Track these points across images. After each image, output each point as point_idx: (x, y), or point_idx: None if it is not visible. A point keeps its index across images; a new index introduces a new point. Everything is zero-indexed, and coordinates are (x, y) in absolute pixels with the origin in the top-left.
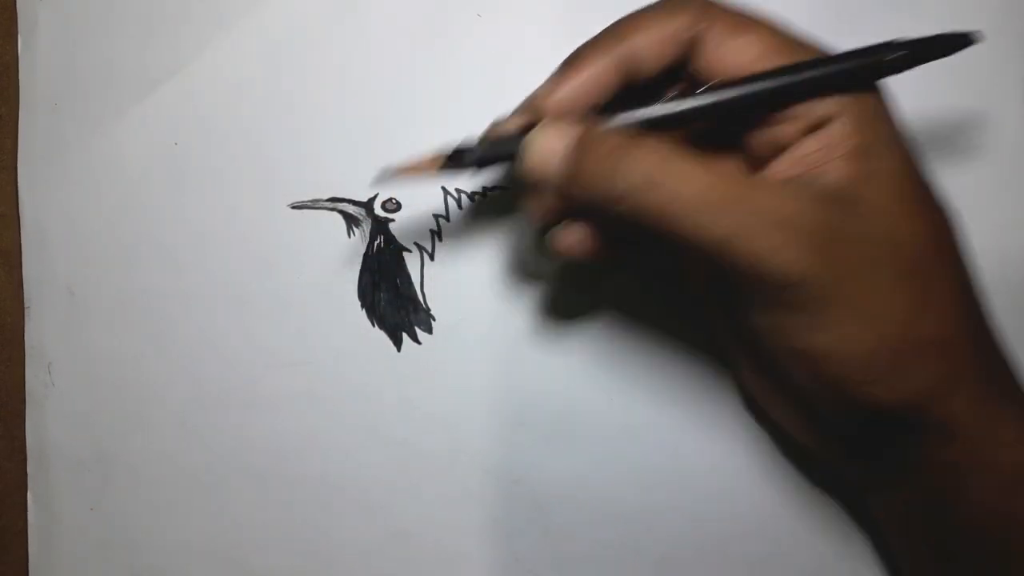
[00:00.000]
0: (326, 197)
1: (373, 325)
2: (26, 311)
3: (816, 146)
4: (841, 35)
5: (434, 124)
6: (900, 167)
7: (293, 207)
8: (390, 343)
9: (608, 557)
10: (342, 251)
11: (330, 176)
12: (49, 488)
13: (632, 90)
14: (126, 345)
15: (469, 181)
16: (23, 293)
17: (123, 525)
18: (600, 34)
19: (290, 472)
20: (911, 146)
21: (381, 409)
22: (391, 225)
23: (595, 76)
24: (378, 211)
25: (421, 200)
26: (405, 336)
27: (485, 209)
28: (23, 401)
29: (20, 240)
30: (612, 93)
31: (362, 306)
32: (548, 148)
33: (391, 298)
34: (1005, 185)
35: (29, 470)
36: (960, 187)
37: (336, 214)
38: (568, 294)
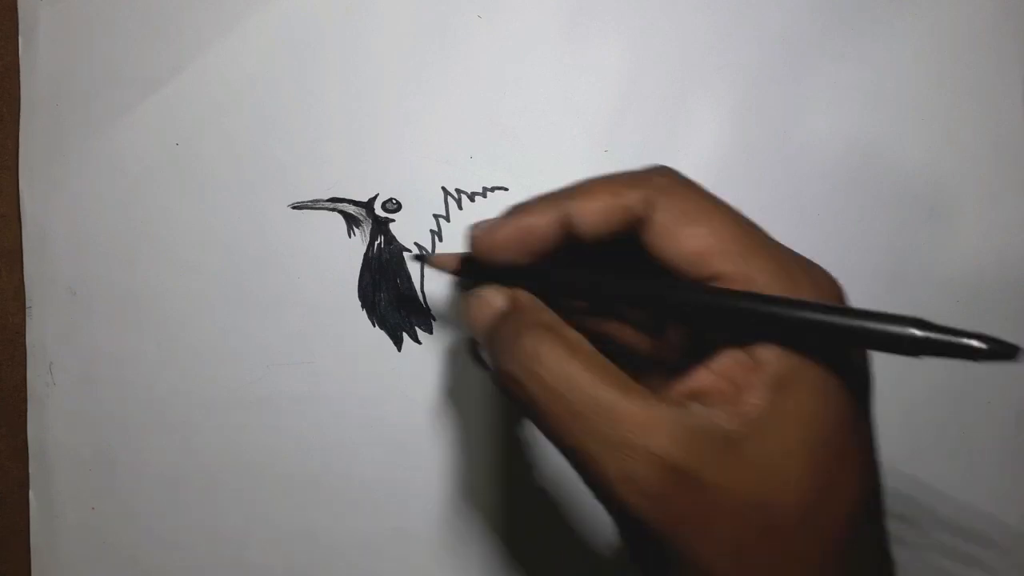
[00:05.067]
0: (326, 197)
1: (373, 325)
2: (27, 311)
3: (733, 364)
4: (841, 34)
5: (434, 124)
6: (819, 426)
7: (293, 207)
8: (390, 343)
9: (609, 555)
10: (342, 251)
11: (330, 176)
12: (50, 487)
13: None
14: (127, 345)
15: (469, 181)
16: (24, 293)
17: (124, 525)
18: (558, 189)
19: (290, 472)
20: (848, 410)
21: (381, 409)
22: (391, 225)
23: (536, 226)
24: (378, 211)
25: (421, 200)
26: (405, 336)
27: (485, 209)
28: (25, 401)
29: (21, 240)
30: (555, 245)
31: (362, 306)
32: (483, 305)
33: (391, 298)
34: (1005, 185)
35: (31, 469)
36: (960, 187)
37: (336, 214)
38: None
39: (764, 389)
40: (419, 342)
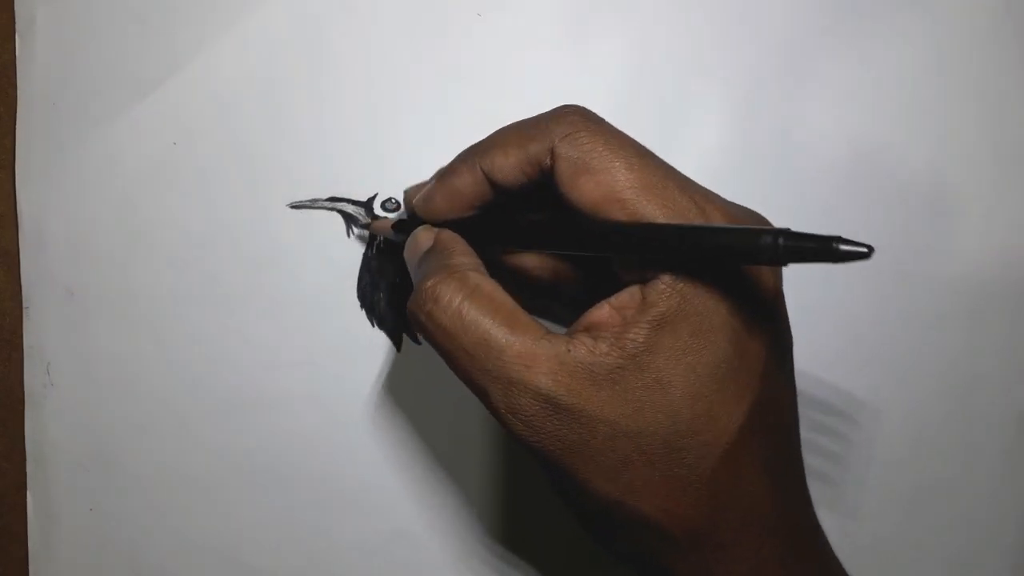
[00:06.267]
0: (326, 197)
1: (373, 325)
2: (25, 311)
3: (628, 299)
4: (842, 34)
5: (434, 124)
6: (695, 360)
7: (292, 207)
8: (390, 343)
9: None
10: (342, 251)
11: (330, 176)
12: (48, 488)
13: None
14: (125, 345)
15: None
16: (22, 293)
17: (122, 525)
18: (474, 145)
19: (290, 472)
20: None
21: (381, 409)
22: None
23: (460, 189)
24: (377, 211)
25: None
26: (405, 336)
27: None
28: (22, 401)
29: (18, 240)
30: (485, 198)
31: (362, 306)
32: (414, 246)
33: (391, 298)
34: (1005, 185)
35: (28, 470)
36: (963, 187)
37: (335, 214)
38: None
39: (645, 325)
40: (419, 342)
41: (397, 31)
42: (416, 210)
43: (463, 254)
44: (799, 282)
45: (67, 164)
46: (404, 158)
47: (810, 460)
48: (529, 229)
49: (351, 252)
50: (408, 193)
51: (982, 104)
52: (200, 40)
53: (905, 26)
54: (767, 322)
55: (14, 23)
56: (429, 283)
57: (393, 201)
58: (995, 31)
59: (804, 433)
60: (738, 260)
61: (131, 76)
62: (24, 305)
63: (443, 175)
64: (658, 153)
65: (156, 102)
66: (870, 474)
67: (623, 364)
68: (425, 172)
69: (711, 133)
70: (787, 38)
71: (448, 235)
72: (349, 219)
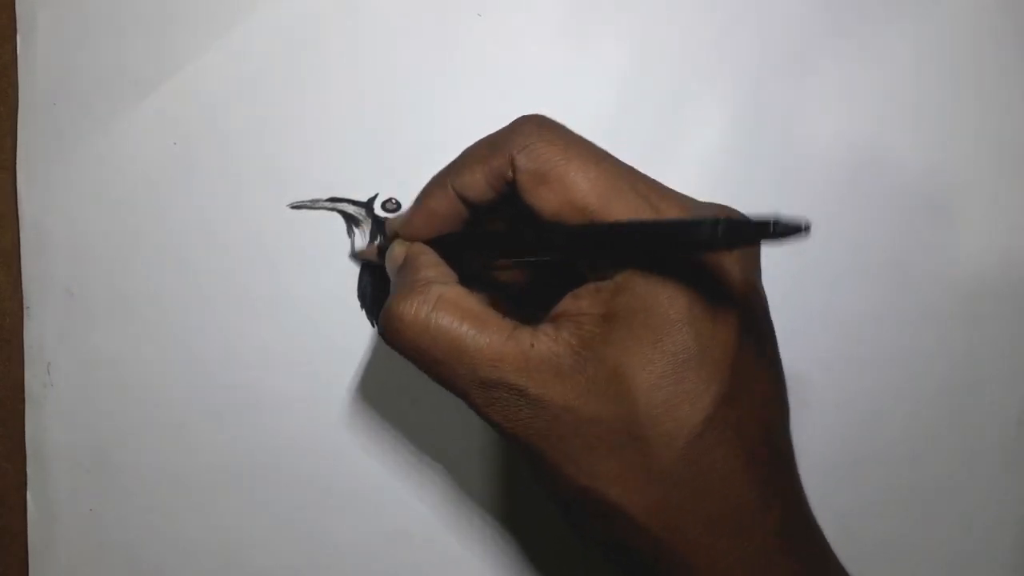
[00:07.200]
0: (326, 197)
1: (373, 325)
2: (25, 311)
3: (587, 292)
4: (843, 34)
5: (434, 124)
6: (650, 352)
7: (293, 207)
8: None
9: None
10: (342, 251)
11: (330, 176)
12: (48, 489)
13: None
14: (125, 345)
15: None
16: (22, 293)
17: (122, 526)
18: (446, 166)
19: (290, 472)
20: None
21: (381, 409)
22: None
23: (436, 210)
24: (378, 211)
25: None
26: None
27: None
28: (22, 401)
29: (19, 240)
30: (462, 217)
31: (362, 306)
32: (391, 260)
33: None
34: (1005, 185)
35: (28, 471)
36: (964, 187)
37: (335, 214)
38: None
39: (600, 317)
40: None
41: (397, 31)
42: (399, 233)
43: (429, 267)
44: (800, 283)
45: (67, 164)
46: (404, 158)
47: (808, 461)
48: (491, 238)
49: (351, 252)
50: (389, 223)
51: (982, 104)
52: (200, 40)
53: (905, 27)
54: (736, 313)
55: (15, 23)
56: (392, 303)
57: (393, 201)
58: (995, 31)
59: (801, 434)
60: (682, 249)
61: (131, 76)
62: (24, 305)
63: (419, 198)
64: (658, 154)
65: (156, 102)
66: (870, 474)
67: (582, 353)
68: (425, 173)
69: (712, 133)
70: (787, 39)
71: (418, 248)
72: (349, 219)
